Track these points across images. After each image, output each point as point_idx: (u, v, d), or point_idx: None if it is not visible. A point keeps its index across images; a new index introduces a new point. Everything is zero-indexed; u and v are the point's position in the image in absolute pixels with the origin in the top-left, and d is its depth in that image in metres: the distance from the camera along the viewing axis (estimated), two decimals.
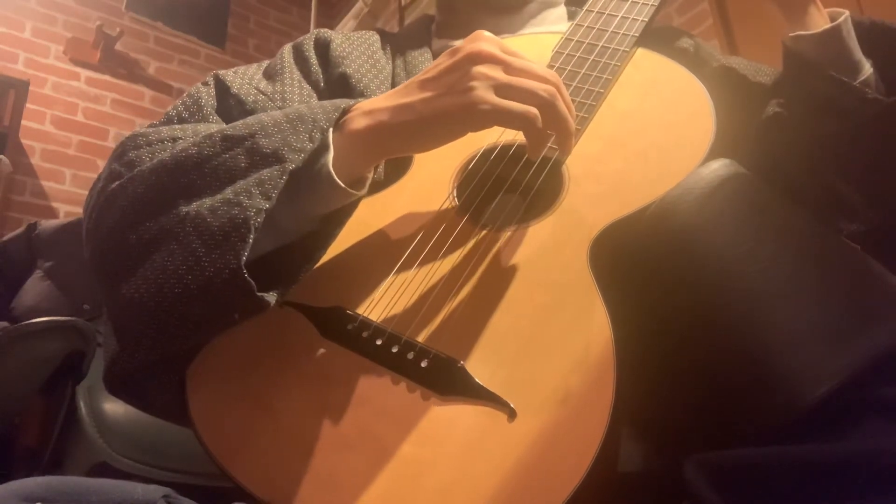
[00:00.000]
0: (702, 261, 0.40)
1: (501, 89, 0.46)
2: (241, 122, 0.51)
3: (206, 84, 0.65)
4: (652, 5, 0.64)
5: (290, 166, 0.46)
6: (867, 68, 0.58)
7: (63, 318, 1.15)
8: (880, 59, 0.59)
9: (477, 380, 0.43)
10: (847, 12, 0.59)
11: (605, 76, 0.59)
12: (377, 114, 0.49)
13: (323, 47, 0.72)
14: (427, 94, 0.47)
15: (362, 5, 3.38)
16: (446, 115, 0.47)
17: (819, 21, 0.59)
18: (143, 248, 0.47)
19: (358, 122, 0.49)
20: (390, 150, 0.50)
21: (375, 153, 0.50)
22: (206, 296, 0.44)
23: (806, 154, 0.59)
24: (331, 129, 0.49)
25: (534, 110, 0.46)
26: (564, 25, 0.79)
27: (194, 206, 0.46)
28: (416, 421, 0.43)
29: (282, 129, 0.48)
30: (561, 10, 0.81)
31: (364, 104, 0.51)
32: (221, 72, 0.67)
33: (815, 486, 0.32)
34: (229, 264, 0.44)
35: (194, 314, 0.46)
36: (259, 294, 0.45)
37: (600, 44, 0.62)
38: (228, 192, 0.46)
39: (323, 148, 0.49)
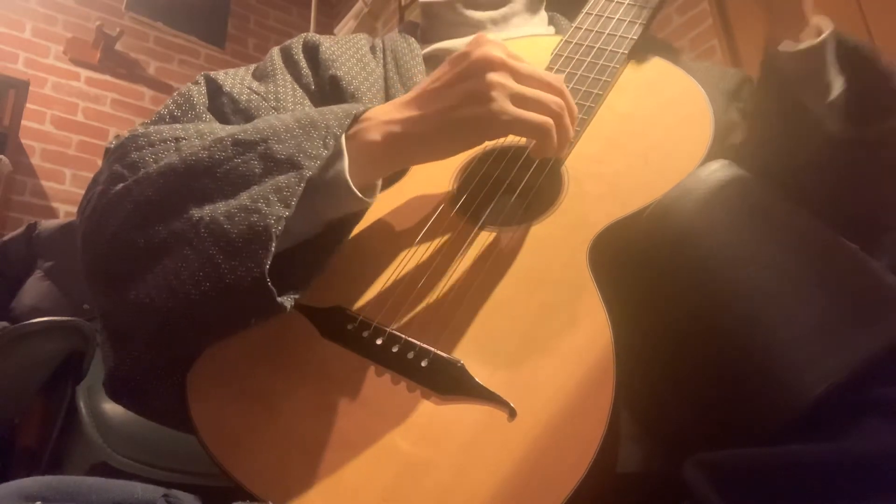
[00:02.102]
0: (700, 262, 0.40)
1: (515, 98, 0.46)
2: (249, 125, 0.50)
3: (196, 83, 0.65)
4: (650, 8, 0.64)
5: (308, 173, 0.46)
6: (837, 87, 0.58)
7: (63, 318, 1.15)
8: (854, 84, 0.59)
9: (477, 379, 0.44)
10: (831, 29, 0.59)
11: (604, 78, 0.59)
12: (392, 125, 0.48)
13: (312, 50, 0.72)
14: (443, 105, 0.47)
15: (362, 5, 3.38)
16: (466, 125, 0.47)
17: (806, 29, 0.59)
18: (152, 252, 0.46)
19: (373, 133, 0.49)
20: (407, 160, 0.51)
21: (391, 164, 0.50)
22: (224, 301, 0.44)
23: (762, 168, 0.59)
24: (343, 136, 0.49)
25: (550, 121, 0.47)
26: (545, 29, 0.80)
27: (207, 210, 0.46)
28: (416, 420, 0.43)
29: (294, 135, 0.48)
30: (542, 16, 0.82)
31: (377, 114, 0.50)
32: (212, 72, 0.67)
33: (815, 486, 0.33)
34: (252, 272, 0.43)
35: (208, 319, 0.46)
36: (278, 300, 0.45)
37: (598, 46, 0.62)
38: (244, 198, 0.46)
39: (336, 154, 0.49)
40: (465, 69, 0.47)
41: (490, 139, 0.48)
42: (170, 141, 0.52)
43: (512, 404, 0.42)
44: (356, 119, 0.50)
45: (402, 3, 3.20)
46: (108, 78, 3.14)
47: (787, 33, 0.59)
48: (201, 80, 0.65)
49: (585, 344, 0.43)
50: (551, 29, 0.81)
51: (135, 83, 3.22)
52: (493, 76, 0.46)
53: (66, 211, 2.82)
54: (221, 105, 0.63)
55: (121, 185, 0.50)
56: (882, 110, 0.56)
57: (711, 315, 0.39)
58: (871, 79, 0.58)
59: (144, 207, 0.48)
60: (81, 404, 1.07)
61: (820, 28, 0.59)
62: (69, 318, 1.16)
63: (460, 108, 0.46)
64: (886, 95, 0.58)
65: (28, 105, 2.77)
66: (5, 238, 1.73)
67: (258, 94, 0.65)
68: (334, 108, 0.51)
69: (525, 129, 0.47)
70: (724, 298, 0.39)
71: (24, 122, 2.75)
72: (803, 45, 0.58)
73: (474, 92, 0.46)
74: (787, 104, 0.58)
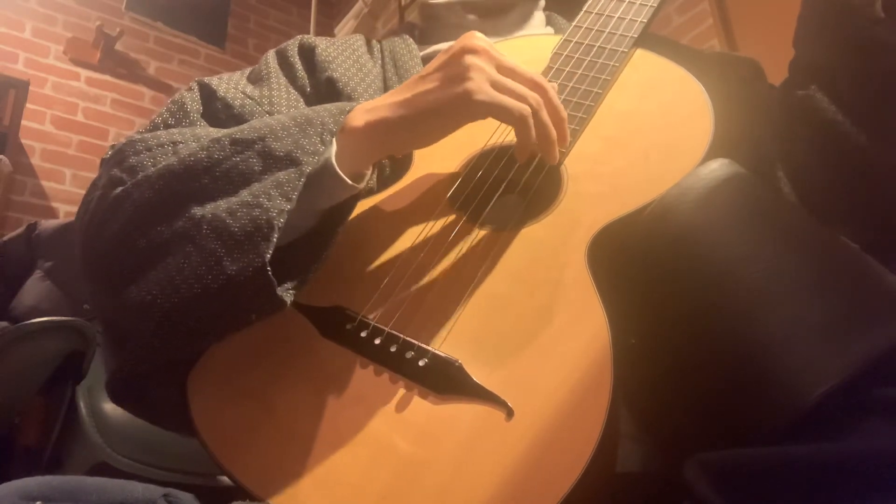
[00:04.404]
0: (700, 261, 0.40)
1: (493, 85, 0.48)
2: (245, 126, 0.51)
3: (189, 90, 0.65)
4: (651, 6, 0.64)
5: (307, 169, 0.47)
6: None
7: (63, 318, 1.15)
8: None
9: (475, 379, 0.44)
10: None
11: (603, 77, 0.59)
12: (377, 111, 0.50)
13: (308, 52, 0.72)
14: (423, 89, 0.49)
15: (362, 5, 3.38)
16: (443, 105, 0.48)
17: None
18: (153, 251, 0.47)
19: (358, 119, 0.50)
20: (390, 145, 0.51)
21: (376, 149, 0.51)
22: (225, 295, 0.45)
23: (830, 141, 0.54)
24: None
25: (527, 108, 0.47)
26: (543, 29, 0.80)
27: (209, 209, 0.46)
28: (414, 420, 0.43)
29: (291, 132, 0.49)
30: (540, 15, 0.82)
31: (364, 104, 0.52)
32: (206, 78, 0.67)
33: (815, 486, 0.32)
34: (253, 263, 0.44)
35: (210, 314, 0.46)
36: (278, 292, 0.45)
37: (598, 44, 0.62)
38: (245, 195, 0.46)
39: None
40: (447, 58, 0.49)
41: (468, 120, 0.49)
42: (167, 145, 0.52)
43: (510, 404, 0.42)
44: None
45: (402, 3, 3.20)
46: (108, 78, 3.14)
47: None
48: (195, 86, 0.65)
49: (584, 344, 0.43)
50: (549, 29, 0.81)
51: (135, 83, 3.22)
52: (472, 59, 0.48)
53: (66, 211, 2.82)
54: (216, 111, 0.64)
55: (120, 188, 0.50)
56: None
57: (711, 315, 0.39)
58: None
59: (145, 209, 0.48)
60: (81, 404, 1.07)
61: None
62: (69, 318, 1.16)
63: (438, 89, 0.48)
64: None
65: (28, 105, 2.77)
66: (5, 238, 1.73)
67: (252, 99, 0.65)
68: (328, 105, 0.52)
69: (501, 112, 0.48)
70: (724, 298, 0.39)
71: (24, 122, 2.75)
72: None
73: (452, 74, 0.48)
74: (863, 21, 0.51)
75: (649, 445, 0.45)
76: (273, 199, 0.46)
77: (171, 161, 0.49)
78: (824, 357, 0.35)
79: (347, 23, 3.49)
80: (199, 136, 0.53)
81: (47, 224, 1.73)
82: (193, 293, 0.45)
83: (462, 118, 0.49)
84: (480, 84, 0.47)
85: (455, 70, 0.48)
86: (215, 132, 0.53)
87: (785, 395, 0.35)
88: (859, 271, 0.40)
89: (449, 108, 0.48)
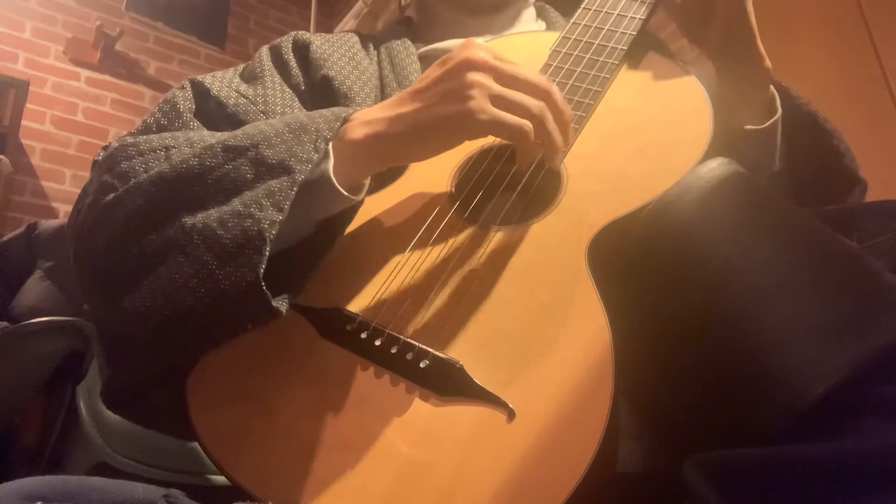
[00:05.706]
0: (700, 260, 0.40)
1: (495, 100, 0.47)
2: (239, 132, 0.50)
3: (182, 88, 0.64)
4: (649, 3, 0.64)
5: (300, 177, 0.46)
6: (781, 158, 0.62)
7: (63, 318, 1.15)
8: (797, 143, 0.61)
9: (476, 380, 0.43)
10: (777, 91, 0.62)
11: (603, 75, 0.59)
12: (374, 124, 0.49)
13: (302, 49, 0.71)
14: (423, 104, 0.48)
15: (362, 5, 3.38)
16: (443, 123, 0.47)
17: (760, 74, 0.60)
18: (146, 260, 0.46)
19: (356, 131, 0.49)
20: (388, 159, 0.51)
21: (373, 162, 0.50)
22: (219, 307, 0.44)
23: None
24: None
25: (528, 124, 0.47)
26: (535, 24, 0.80)
27: (200, 217, 0.46)
28: (415, 422, 0.43)
29: (284, 139, 0.48)
30: (531, 10, 0.82)
31: (362, 114, 0.51)
32: (199, 76, 0.66)
33: (815, 486, 0.32)
34: (246, 277, 0.43)
35: (204, 325, 0.46)
36: (273, 304, 0.45)
37: (597, 42, 0.62)
38: (237, 204, 0.46)
39: (322, 154, 0.49)
40: (448, 70, 0.48)
41: (468, 138, 0.48)
42: (160, 150, 0.52)
43: (511, 405, 0.42)
44: (345, 121, 0.51)
45: (402, 3, 3.19)
46: (108, 78, 3.13)
47: (746, 83, 0.60)
48: (187, 84, 0.65)
49: (584, 344, 0.43)
50: (541, 23, 0.81)
51: (135, 83, 3.22)
52: (474, 76, 0.47)
53: (66, 211, 2.82)
54: (209, 110, 0.63)
55: (111, 195, 0.50)
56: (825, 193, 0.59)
57: (710, 314, 0.39)
58: (821, 153, 0.61)
59: (136, 217, 0.48)
60: (81, 404, 1.07)
61: (771, 89, 0.61)
62: (69, 318, 1.15)
63: (438, 106, 0.47)
64: (834, 176, 0.61)
65: (28, 105, 2.77)
66: (5, 238, 1.73)
67: (246, 98, 0.64)
68: (324, 111, 0.52)
69: (501, 131, 0.47)
70: (724, 297, 0.39)
71: (24, 122, 2.75)
72: (768, 122, 0.59)
73: (453, 90, 0.47)
74: None
75: (649, 445, 0.45)
76: (265, 210, 0.45)
77: (163, 168, 0.49)
78: (824, 356, 0.35)
79: (347, 23, 3.48)
80: (192, 142, 0.52)
81: (47, 224, 1.72)
82: (187, 305, 0.44)
83: (462, 137, 0.48)
84: (481, 103, 0.46)
85: (455, 85, 0.47)
86: (209, 136, 0.52)
87: (784, 394, 0.35)
88: (858, 270, 0.40)
89: (449, 126, 0.47)
